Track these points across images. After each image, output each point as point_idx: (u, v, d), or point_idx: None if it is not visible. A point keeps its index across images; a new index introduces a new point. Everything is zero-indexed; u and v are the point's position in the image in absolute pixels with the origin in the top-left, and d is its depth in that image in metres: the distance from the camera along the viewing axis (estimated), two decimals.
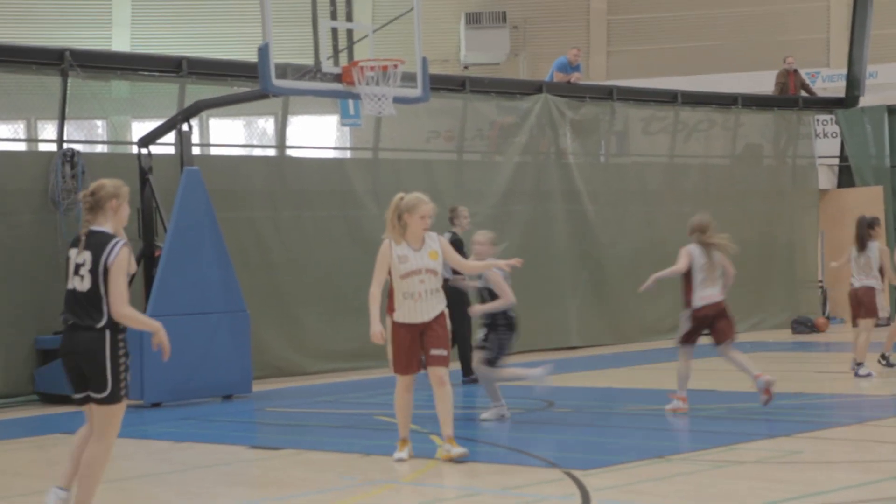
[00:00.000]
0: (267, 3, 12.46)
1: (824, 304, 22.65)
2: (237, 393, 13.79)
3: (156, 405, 13.12)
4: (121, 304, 6.62)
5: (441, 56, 28.85)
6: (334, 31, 13.86)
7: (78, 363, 6.71)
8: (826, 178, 23.60)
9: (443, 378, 8.90)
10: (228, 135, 20.17)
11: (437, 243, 9.02)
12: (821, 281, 22.72)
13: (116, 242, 6.70)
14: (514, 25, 30.09)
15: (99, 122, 18.72)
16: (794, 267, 22.56)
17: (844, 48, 24.91)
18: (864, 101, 23.11)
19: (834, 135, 23.61)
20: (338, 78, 13.21)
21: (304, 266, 16.62)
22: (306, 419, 12.02)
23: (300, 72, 13.40)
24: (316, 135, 19.53)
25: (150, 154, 14.54)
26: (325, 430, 11.04)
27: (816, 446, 9.26)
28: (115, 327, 6.68)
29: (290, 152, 17.54)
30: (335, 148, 19.16)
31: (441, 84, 18.36)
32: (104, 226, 6.78)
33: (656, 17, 31.05)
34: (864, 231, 13.97)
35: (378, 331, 8.72)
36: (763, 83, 24.71)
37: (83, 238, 6.76)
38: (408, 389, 9.04)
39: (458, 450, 8.79)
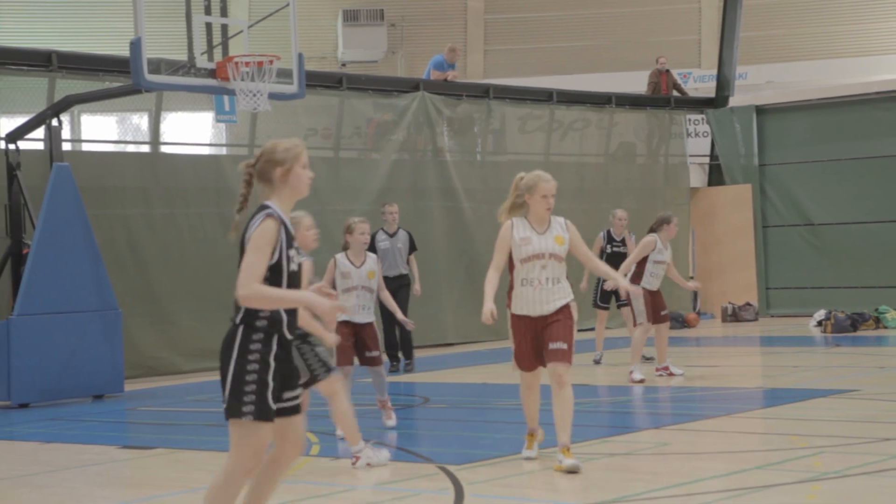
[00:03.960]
0: None
1: (695, 299, 23.13)
2: (108, 392, 13.57)
3: (24, 406, 12.84)
4: (242, 285, 5.18)
5: (318, 53, 28.81)
6: (208, 26, 13.72)
7: None
8: (697, 177, 24.10)
9: (562, 377, 7.99)
10: (100, 130, 19.79)
11: (565, 229, 8.21)
12: (692, 277, 23.17)
13: (261, 214, 5.34)
14: (391, 23, 30.16)
15: None
16: None
17: (715, 49, 25.50)
18: (734, 101, 23.65)
19: (705, 134, 24.12)
20: (212, 73, 13.10)
21: (177, 264, 16.42)
22: (179, 418, 11.89)
23: (173, 67, 13.24)
24: (191, 131, 19.29)
25: (18, 150, 14.21)
26: (198, 428, 10.93)
27: (684, 438, 9.45)
28: (250, 324, 5.30)
29: (164, 149, 17.31)
30: (210, 144, 18.96)
31: (318, 81, 18.31)
32: (269, 199, 5.46)
33: (533, 17, 31.38)
34: None
35: (489, 308, 7.93)
36: (636, 83, 25.16)
37: None
38: (530, 387, 8.43)
39: (568, 461, 7.88)
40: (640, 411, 11.10)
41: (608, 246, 15.36)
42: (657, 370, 13.49)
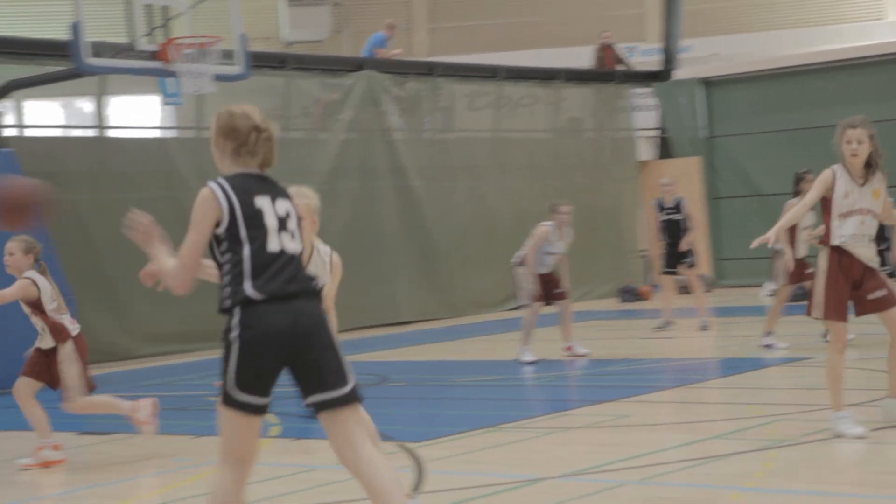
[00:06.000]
0: None
1: (647, 272, 23.22)
2: None
3: None
4: None
5: (263, 34, 28.56)
6: (149, 7, 13.58)
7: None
8: (646, 150, 24.20)
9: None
10: (45, 116, 19.57)
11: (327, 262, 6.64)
12: (643, 250, 23.29)
13: None
14: (335, 2, 30.00)
15: None
16: (618, 237, 23.09)
17: (659, 23, 25.55)
18: (679, 74, 23.74)
19: (651, 108, 24.19)
20: (154, 56, 12.97)
21: (129, 248, 16.08)
22: None
23: (115, 50, 13.10)
24: (137, 114, 19.13)
25: None
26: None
27: (643, 410, 9.51)
28: None
29: (110, 133, 17.12)
30: (157, 127, 18.79)
31: (262, 62, 18.16)
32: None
33: None
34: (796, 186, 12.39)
35: None
36: (581, 58, 25.19)
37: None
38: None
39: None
40: (599, 385, 11.14)
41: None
42: (563, 350, 13.11)
